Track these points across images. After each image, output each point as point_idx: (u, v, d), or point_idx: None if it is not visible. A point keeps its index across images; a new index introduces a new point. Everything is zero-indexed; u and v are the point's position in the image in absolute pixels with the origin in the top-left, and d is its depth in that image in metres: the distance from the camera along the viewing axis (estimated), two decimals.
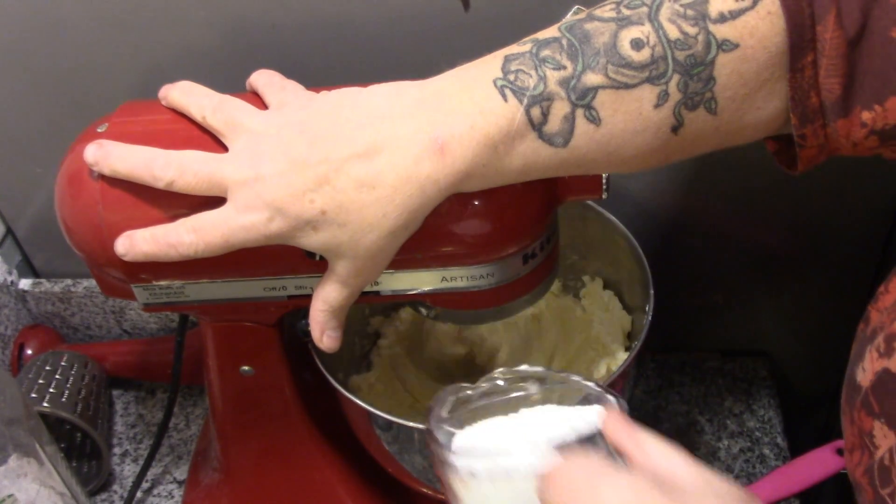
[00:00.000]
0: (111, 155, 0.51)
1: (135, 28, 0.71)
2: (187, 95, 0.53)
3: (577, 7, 0.53)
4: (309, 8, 0.69)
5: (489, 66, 0.47)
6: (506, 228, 0.53)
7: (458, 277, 0.54)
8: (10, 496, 0.63)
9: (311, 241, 0.49)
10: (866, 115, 0.45)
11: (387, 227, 0.48)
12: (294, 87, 0.53)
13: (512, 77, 0.46)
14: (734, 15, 0.45)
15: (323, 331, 0.53)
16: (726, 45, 0.45)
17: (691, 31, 0.45)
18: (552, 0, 0.62)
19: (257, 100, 0.54)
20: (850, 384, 0.49)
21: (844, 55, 0.44)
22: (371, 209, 0.47)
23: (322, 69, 0.72)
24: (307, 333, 0.54)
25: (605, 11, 0.46)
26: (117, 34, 0.72)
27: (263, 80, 0.55)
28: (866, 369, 0.47)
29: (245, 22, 0.70)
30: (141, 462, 0.83)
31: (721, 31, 0.45)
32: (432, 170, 0.46)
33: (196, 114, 0.52)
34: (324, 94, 0.51)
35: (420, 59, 0.69)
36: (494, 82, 0.46)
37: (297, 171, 0.47)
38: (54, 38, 0.73)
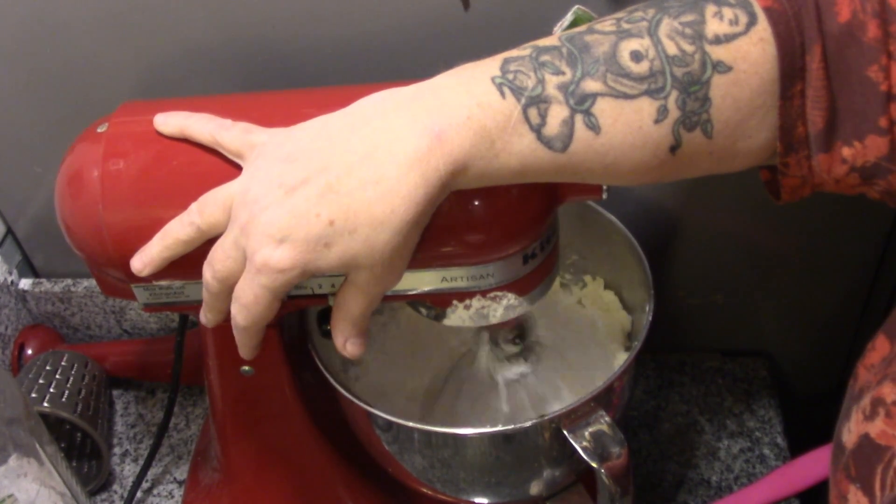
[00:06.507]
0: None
1: (135, 28, 0.71)
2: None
3: (577, 7, 0.53)
4: (308, 8, 0.69)
5: (488, 66, 0.47)
6: (506, 228, 0.53)
7: (458, 277, 0.54)
8: (10, 496, 0.63)
9: (329, 260, 0.47)
10: (847, 152, 0.46)
11: (397, 224, 0.46)
12: (258, 129, 0.52)
13: (511, 77, 0.46)
14: (728, 38, 0.45)
15: (346, 339, 0.53)
16: (720, 67, 0.45)
17: (689, 48, 0.45)
18: (552, 0, 0.63)
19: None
20: (837, 443, 0.48)
21: (827, 87, 0.45)
22: (378, 206, 0.46)
23: (321, 69, 0.72)
24: (327, 333, 0.54)
25: (606, 25, 0.47)
26: (117, 34, 0.72)
27: (221, 137, 0.52)
28: (852, 430, 0.47)
29: (245, 22, 0.70)
30: (141, 462, 0.84)
31: (716, 52, 0.45)
32: (432, 156, 0.45)
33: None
34: (299, 125, 0.50)
35: (420, 60, 0.70)
36: (493, 80, 0.46)
37: (295, 194, 0.47)
38: (54, 38, 0.73)
